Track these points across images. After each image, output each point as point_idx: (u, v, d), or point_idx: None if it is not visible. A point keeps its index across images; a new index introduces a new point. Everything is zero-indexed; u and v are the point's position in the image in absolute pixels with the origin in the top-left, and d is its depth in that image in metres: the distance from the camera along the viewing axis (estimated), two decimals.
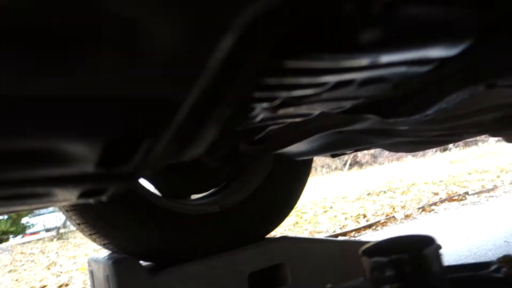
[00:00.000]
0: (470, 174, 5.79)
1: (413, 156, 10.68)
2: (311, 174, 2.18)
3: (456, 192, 4.40)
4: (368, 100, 0.92)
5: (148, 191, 1.76)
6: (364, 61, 0.55)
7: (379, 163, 10.76)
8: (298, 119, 0.99)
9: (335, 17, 0.45)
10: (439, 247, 0.82)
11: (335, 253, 1.84)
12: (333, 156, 1.93)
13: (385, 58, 0.57)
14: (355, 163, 11.07)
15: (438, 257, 0.83)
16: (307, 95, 0.71)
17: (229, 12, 0.31)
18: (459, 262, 2.02)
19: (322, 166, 10.83)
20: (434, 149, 10.82)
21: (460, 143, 11.93)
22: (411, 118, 0.95)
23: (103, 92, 0.34)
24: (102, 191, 0.62)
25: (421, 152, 10.61)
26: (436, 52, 0.63)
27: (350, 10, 0.41)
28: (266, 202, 1.92)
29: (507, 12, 0.63)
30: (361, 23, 0.45)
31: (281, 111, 0.80)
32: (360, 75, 0.65)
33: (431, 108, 0.88)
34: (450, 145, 10.99)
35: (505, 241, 2.43)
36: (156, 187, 1.90)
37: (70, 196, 0.60)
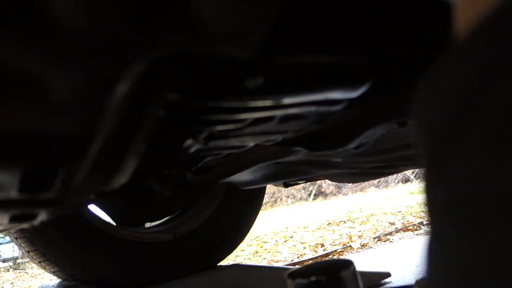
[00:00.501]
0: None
1: (376, 187, 10.91)
2: (276, 204, 2.24)
3: (412, 222, 4.53)
4: (297, 134, 1.00)
5: (100, 219, 1.79)
6: (267, 102, 0.63)
7: (343, 194, 10.95)
8: (234, 151, 1.06)
9: (222, 67, 0.52)
10: (355, 269, 0.90)
11: (281, 279, 1.89)
12: (286, 185, 2.01)
13: (287, 100, 0.65)
14: (320, 193, 11.22)
15: (354, 279, 0.90)
16: (230, 129, 0.78)
17: (120, 65, 0.38)
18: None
19: (287, 197, 10.95)
20: (396, 181, 11.08)
21: (422, 174, 12.18)
22: (336, 151, 1.03)
23: (15, 127, 0.41)
24: (33, 215, 0.67)
25: (383, 184, 10.84)
26: (337, 94, 0.71)
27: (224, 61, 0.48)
28: (218, 230, 1.97)
29: (397, 55, 0.72)
30: (245, 71, 0.53)
31: (212, 143, 0.87)
32: (273, 113, 0.73)
33: (351, 142, 0.97)
34: (412, 177, 11.29)
35: None
36: (110, 215, 1.92)
37: (0, 219, 0.64)
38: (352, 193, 10.83)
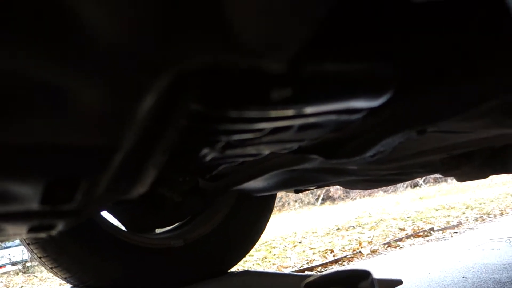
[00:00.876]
0: (437, 210, 5.92)
1: (385, 192, 10.85)
2: (283, 209, 2.23)
3: (422, 228, 4.50)
4: (313, 142, 0.99)
5: (112, 225, 1.78)
6: (289, 111, 0.62)
7: (351, 198, 10.89)
8: (249, 158, 1.05)
9: (248, 76, 0.52)
10: (373, 280, 0.88)
11: (294, 287, 1.88)
12: (297, 192, 2.00)
13: (309, 109, 0.64)
14: (327, 198, 11.17)
15: None
16: (248, 138, 0.77)
17: (148, 77, 0.37)
18: None
19: (295, 201, 10.91)
20: (405, 185, 11.02)
21: (430, 179, 12.18)
22: (352, 159, 1.02)
23: (39, 140, 0.40)
24: (51, 226, 0.67)
25: (392, 188, 10.78)
26: (359, 103, 0.70)
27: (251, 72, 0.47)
28: (229, 236, 1.96)
29: (419, 64, 0.71)
30: (272, 82, 0.52)
31: (229, 152, 0.87)
32: (293, 122, 0.72)
33: (369, 151, 0.96)
34: (421, 181, 11.22)
35: (463, 277, 2.50)
36: (121, 221, 1.92)
37: (20, 230, 0.64)
38: (360, 198, 10.78)
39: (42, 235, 0.74)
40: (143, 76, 0.35)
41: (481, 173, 1.61)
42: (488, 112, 0.76)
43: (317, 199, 10.94)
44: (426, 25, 0.66)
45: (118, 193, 0.64)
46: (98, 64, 0.32)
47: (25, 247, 1.68)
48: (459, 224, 4.60)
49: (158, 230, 2.04)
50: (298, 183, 1.48)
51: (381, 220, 5.73)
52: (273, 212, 2.22)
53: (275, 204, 2.30)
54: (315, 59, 0.59)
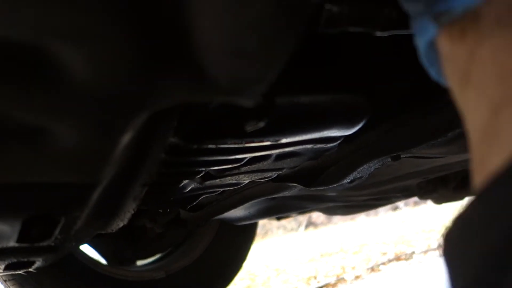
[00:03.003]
0: (417, 233, 5.95)
1: (366, 215, 10.89)
2: (266, 236, 2.23)
3: (404, 252, 4.51)
4: (292, 170, 1.00)
5: (91, 259, 1.76)
6: (265, 142, 0.64)
7: (334, 223, 10.91)
8: (229, 188, 1.06)
9: (222, 110, 0.53)
10: None
11: None
12: (278, 219, 2.00)
13: (285, 139, 0.65)
14: (310, 223, 11.16)
15: None
16: (227, 168, 0.78)
17: (126, 116, 0.38)
18: None
19: (278, 228, 10.87)
20: (386, 209, 11.09)
21: (411, 202, 12.29)
22: (331, 186, 1.03)
23: (17, 179, 0.40)
24: (29, 263, 0.66)
25: (373, 212, 10.84)
26: (335, 132, 0.72)
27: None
28: (212, 266, 1.95)
29: (389, 94, 0.73)
30: (246, 115, 0.53)
31: (208, 182, 0.87)
32: (270, 152, 0.73)
33: (346, 177, 0.98)
34: (401, 205, 11.31)
35: None
36: (100, 253, 1.89)
37: None
38: (342, 222, 10.79)
39: (20, 272, 0.73)
40: (119, 117, 0.36)
41: (457, 196, 1.65)
42: (458, 137, 0.79)
43: (299, 225, 10.92)
44: (391, 59, 0.69)
45: (97, 228, 0.64)
46: (76, 106, 0.33)
47: (2, 284, 1.64)
48: (439, 247, 4.62)
49: (139, 262, 2.01)
50: (279, 210, 1.48)
51: (363, 244, 5.73)
52: (256, 240, 2.22)
53: (258, 231, 2.30)
54: (287, 92, 0.61)
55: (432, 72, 0.40)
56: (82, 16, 0.27)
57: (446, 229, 0.31)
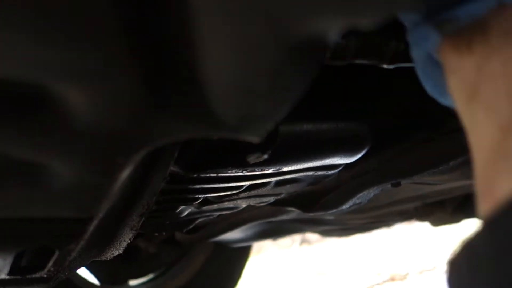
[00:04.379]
0: (413, 251, 5.92)
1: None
2: (260, 252, 2.21)
3: (399, 272, 4.48)
4: (290, 195, 0.99)
5: (85, 280, 1.73)
6: (268, 170, 0.62)
7: (328, 240, 10.83)
8: (226, 212, 1.04)
9: (225, 144, 0.52)
10: None
11: None
12: (275, 239, 1.98)
13: (286, 168, 0.64)
14: (304, 240, 11.10)
15: None
16: (225, 195, 0.77)
17: (126, 154, 0.37)
18: None
19: (272, 244, 10.77)
20: None
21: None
22: (329, 212, 1.02)
23: (13, 214, 0.39)
24: None
25: None
26: (336, 160, 0.71)
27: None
28: (205, 287, 1.92)
29: (391, 124, 0.73)
30: (246, 149, 0.52)
31: (206, 207, 0.86)
32: (270, 179, 0.72)
33: (345, 203, 0.96)
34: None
35: None
36: (93, 273, 1.86)
37: None
38: (337, 238, 10.71)
39: None
40: (119, 155, 0.35)
41: (454, 219, 1.64)
42: (457, 166, 0.78)
43: (293, 242, 10.85)
44: (396, 90, 0.68)
45: (91, 257, 0.62)
46: (76, 145, 0.32)
47: None
48: (434, 267, 4.60)
49: (132, 282, 1.98)
50: (276, 233, 1.47)
51: (357, 262, 5.69)
52: (249, 257, 2.19)
53: (252, 249, 2.27)
54: (291, 120, 0.60)
55: (428, 86, 0.38)
56: (85, 58, 0.25)
57: (452, 254, 0.29)
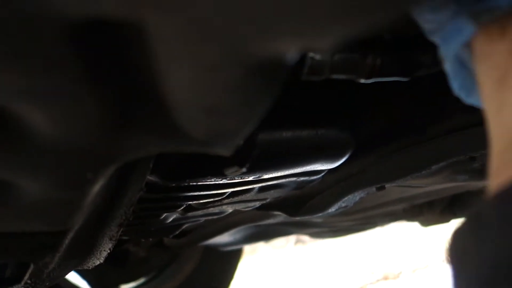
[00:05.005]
0: (406, 250, 5.95)
1: None
2: (254, 253, 2.21)
3: (392, 271, 4.50)
4: (276, 199, 0.99)
5: (75, 285, 1.72)
6: (248, 177, 0.62)
7: (322, 240, 10.83)
8: (212, 217, 1.04)
9: (200, 157, 0.52)
10: None
11: None
12: (265, 242, 1.98)
13: (267, 175, 0.64)
14: (298, 240, 11.11)
15: None
16: (208, 201, 0.77)
17: (96, 169, 0.37)
18: None
19: (266, 244, 10.76)
20: None
21: None
22: (315, 215, 1.02)
23: None
24: None
25: None
26: (318, 167, 0.71)
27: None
28: None
29: (373, 130, 0.73)
30: (221, 162, 0.52)
31: (190, 213, 0.86)
32: (252, 186, 0.72)
33: (330, 207, 0.96)
34: None
35: None
36: (84, 278, 1.85)
37: None
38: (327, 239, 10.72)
39: None
40: (88, 170, 0.34)
41: (443, 219, 1.64)
42: (440, 170, 0.78)
43: (288, 242, 10.85)
44: (376, 98, 0.68)
45: (71, 267, 0.62)
46: (42, 162, 0.32)
47: None
48: (426, 266, 4.62)
49: (123, 287, 1.97)
50: (265, 236, 1.47)
51: (351, 262, 5.70)
52: (244, 257, 2.19)
53: (246, 249, 2.27)
54: (269, 127, 0.60)
55: (455, 85, 0.38)
56: (48, 81, 0.25)
57: (457, 226, 0.29)
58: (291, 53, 0.25)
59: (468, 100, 0.38)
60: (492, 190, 0.27)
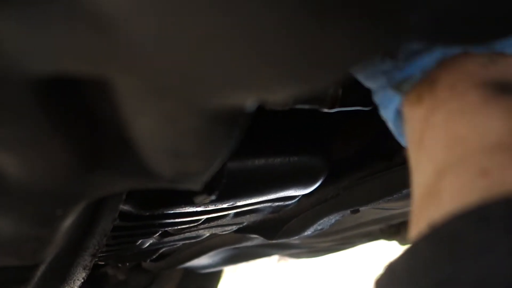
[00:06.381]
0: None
1: None
2: (234, 271, 2.20)
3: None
4: (253, 223, 1.00)
5: None
6: (222, 205, 0.63)
7: None
8: (190, 241, 1.04)
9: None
10: None
11: None
12: (245, 263, 1.98)
13: (240, 202, 0.65)
14: (281, 258, 11.03)
15: None
16: (184, 227, 0.77)
17: (64, 206, 0.37)
18: None
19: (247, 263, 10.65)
20: None
21: None
22: (292, 238, 1.03)
23: None
24: None
25: None
26: (291, 192, 0.73)
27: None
28: None
29: (343, 155, 0.75)
30: (191, 192, 0.54)
31: (167, 239, 0.86)
32: (226, 213, 0.73)
33: (306, 230, 0.98)
34: None
35: None
36: None
37: None
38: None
39: None
40: (57, 207, 0.35)
41: None
42: (410, 194, 0.80)
43: (270, 259, 10.77)
44: (347, 123, 0.70)
45: None
46: (10, 202, 0.33)
47: None
48: None
49: None
50: (243, 258, 1.47)
51: (338, 275, 5.69)
52: (226, 275, 2.17)
53: (223, 272, 2.27)
54: (240, 156, 0.61)
55: (402, 141, 0.42)
56: (14, 128, 0.26)
57: (377, 276, 0.32)
58: (249, 103, 0.26)
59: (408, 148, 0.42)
60: (410, 240, 0.30)
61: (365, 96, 0.53)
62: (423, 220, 0.30)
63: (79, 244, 0.51)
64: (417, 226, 0.30)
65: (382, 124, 0.77)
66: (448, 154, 0.31)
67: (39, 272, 0.48)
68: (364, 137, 0.76)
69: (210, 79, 0.22)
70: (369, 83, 0.40)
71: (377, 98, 0.40)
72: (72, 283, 0.61)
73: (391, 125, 0.41)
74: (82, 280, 0.62)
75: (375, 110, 0.65)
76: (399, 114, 0.39)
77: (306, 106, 0.49)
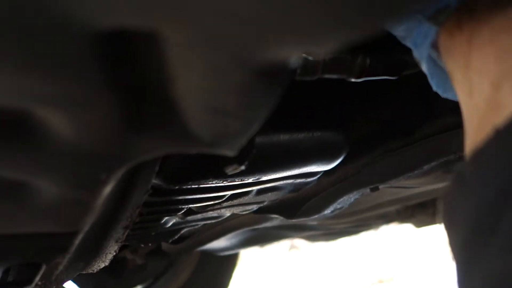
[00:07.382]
0: (400, 254, 5.97)
1: None
2: (248, 260, 2.22)
3: (386, 274, 4.52)
4: (273, 202, 1.01)
5: None
6: (248, 179, 0.65)
7: (316, 245, 10.82)
8: (211, 221, 1.06)
9: (203, 157, 0.54)
10: None
11: None
12: (261, 246, 2.00)
13: (265, 177, 0.66)
14: (292, 246, 11.10)
15: None
16: (208, 205, 0.79)
17: (107, 171, 0.39)
18: None
19: (261, 251, 10.74)
20: None
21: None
22: (312, 217, 1.04)
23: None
24: None
25: None
26: (314, 168, 0.74)
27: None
28: None
29: (366, 132, 0.76)
30: (223, 161, 0.55)
31: (190, 217, 0.88)
32: (251, 188, 0.74)
33: (326, 208, 0.99)
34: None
35: None
36: (80, 286, 1.86)
37: None
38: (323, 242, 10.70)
39: None
40: (101, 172, 0.37)
41: (436, 219, 1.67)
42: (432, 170, 0.81)
43: (282, 248, 10.84)
44: (368, 99, 0.71)
45: (78, 270, 0.64)
46: (57, 164, 0.34)
47: None
48: (421, 269, 4.65)
49: None
50: (261, 240, 1.49)
51: (345, 266, 5.71)
52: (238, 265, 2.20)
53: (241, 256, 2.29)
54: (267, 131, 0.62)
55: (433, 83, 0.43)
56: (67, 88, 0.28)
57: (447, 187, 0.33)
58: (293, 58, 0.27)
59: (445, 95, 0.43)
60: (468, 155, 0.31)
61: (392, 65, 0.54)
62: (487, 131, 0.31)
63: (113, 215, 0.53)
64: (479, 138, 0.31)
65: (401, 98, 0.77)
66: (501, 66, 0.32)
67: (77, 241, 0.49)
68: (384, 113, 0.76)
69: (262, 30, 0.23)
70: (401, 25, 0.41)
71: (410, 40, 0.40)
72: (104, 256, 0.62)
73: (424, 64, 0.42)
74: (114, 254, 0.64)
75: (398, 82, 0.66)
76: (431, 58, 0.40)
77: (335, 76, 0.50)
